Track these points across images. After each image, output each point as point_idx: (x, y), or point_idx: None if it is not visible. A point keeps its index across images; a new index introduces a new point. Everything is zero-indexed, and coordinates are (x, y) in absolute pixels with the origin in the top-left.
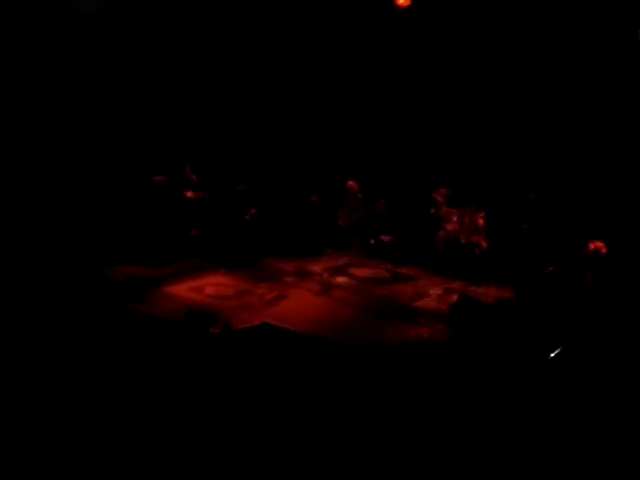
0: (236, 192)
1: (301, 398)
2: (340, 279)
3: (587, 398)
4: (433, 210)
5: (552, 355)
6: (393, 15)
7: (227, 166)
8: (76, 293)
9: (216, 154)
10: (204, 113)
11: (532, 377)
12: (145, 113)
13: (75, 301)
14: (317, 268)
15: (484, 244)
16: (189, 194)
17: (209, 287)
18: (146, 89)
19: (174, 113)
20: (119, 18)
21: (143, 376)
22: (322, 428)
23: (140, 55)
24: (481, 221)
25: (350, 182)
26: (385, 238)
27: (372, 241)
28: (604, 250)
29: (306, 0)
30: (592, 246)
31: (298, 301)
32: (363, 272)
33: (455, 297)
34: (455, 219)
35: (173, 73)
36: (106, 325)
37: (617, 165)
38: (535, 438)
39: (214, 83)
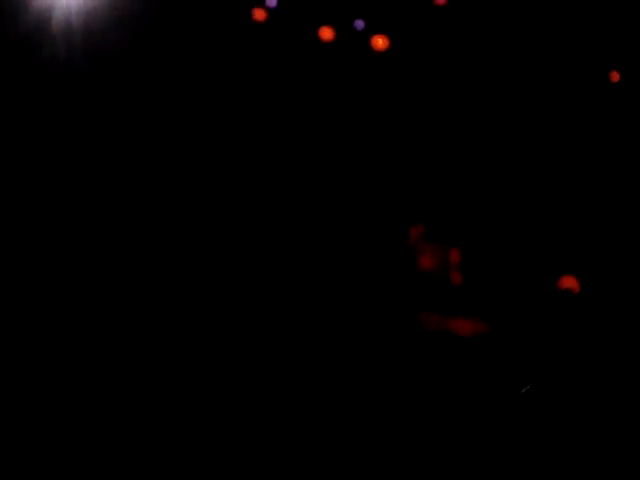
0: None
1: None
2: None
3: (559, 433)
4: (409, 244)
5: (523, 391)
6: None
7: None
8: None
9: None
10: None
11: (504, 412)
12: (123, 131)
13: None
14: None
15: (459, 279)
16: None
17: None
18: (123, 108)
19: (154, 130)
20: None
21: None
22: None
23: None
24: (456, 256)
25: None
26: None
27: None
28: (576, 287)
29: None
30: (564, 282)
31: None
32: None
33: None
34: (430, 254)
35: (147, 92)
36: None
37: (591, 200)
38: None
39: (188, 102)
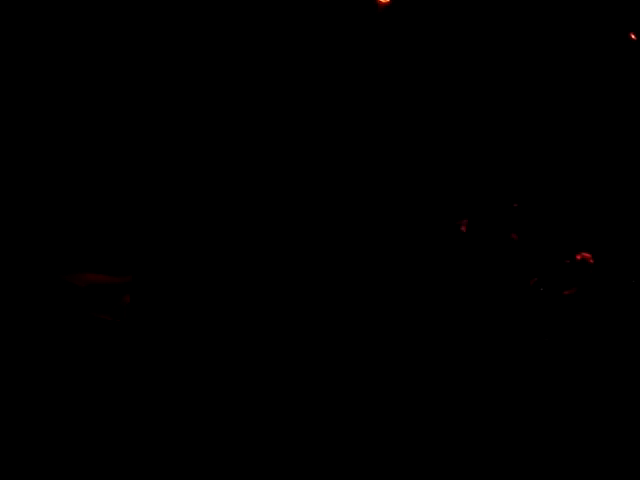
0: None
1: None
2: None
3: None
4: None
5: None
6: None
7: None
8: (35, 301)
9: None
10: (173, 122)
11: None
12: (115, 117)
13: (34, 309)
14: None
15: None
16: None
17: None
18: (108, 97)
19: (143, 120)
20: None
21: (109, 389)
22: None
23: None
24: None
25: None
26: None
27: None
28: (591, 261)
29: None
30: (578, 257)
31: None
32: None
33: None
34: None
35: (134, 83)
36: (69, 335)
37: (605, 172)
38: None
39: (176, 91)
